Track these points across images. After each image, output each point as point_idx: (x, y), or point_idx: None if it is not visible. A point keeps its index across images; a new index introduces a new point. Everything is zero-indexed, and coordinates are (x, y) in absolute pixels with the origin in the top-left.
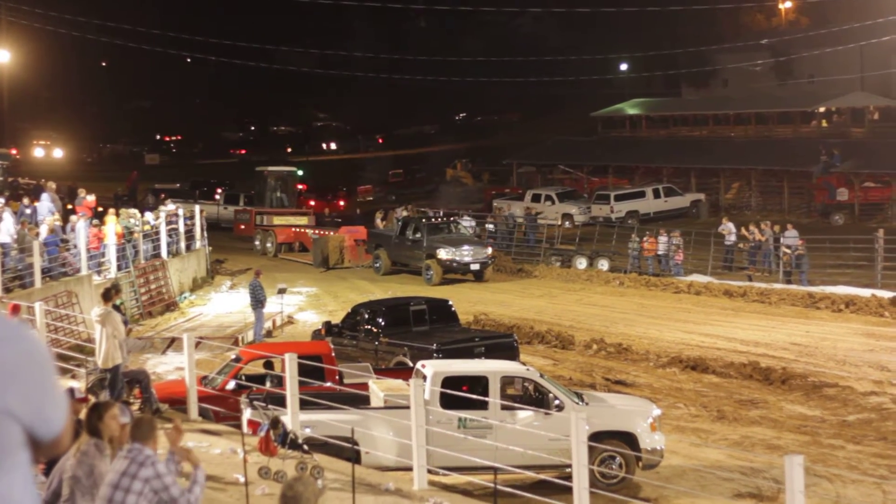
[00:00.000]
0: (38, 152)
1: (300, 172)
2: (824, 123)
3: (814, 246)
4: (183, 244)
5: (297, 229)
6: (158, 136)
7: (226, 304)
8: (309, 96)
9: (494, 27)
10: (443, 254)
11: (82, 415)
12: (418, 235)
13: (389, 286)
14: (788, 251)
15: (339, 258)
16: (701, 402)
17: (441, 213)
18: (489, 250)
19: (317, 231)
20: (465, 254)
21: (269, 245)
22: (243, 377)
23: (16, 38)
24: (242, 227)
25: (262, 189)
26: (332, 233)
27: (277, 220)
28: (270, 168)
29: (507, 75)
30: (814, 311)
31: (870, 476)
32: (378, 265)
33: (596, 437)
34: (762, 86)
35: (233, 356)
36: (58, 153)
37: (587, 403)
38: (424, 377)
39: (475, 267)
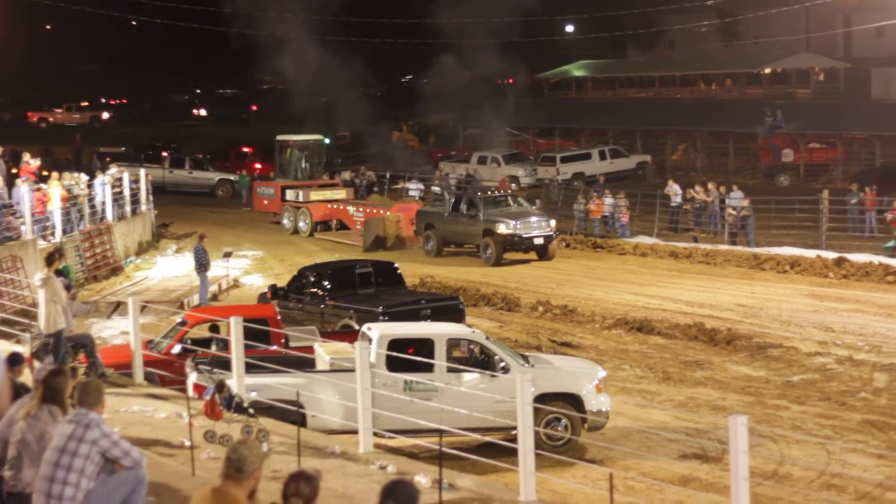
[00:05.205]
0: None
1: (327, 141)
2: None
3: (759, 207)
4: (128, 208)
5: (333, 205)
6: (104, 100)
7: (171, 268)
8: (255, 59)
9: None
10: (502, 228)
11: (24, 378)
12: (474, 210)
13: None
14: (734, 212)
15: (396, 239)
16: (646, 364)
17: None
18: (553, 223)
19: (360, 208)
20: (528, 227)
21: (301, 224)
22: (189, 341)
23: None
24: (266, 202)
25: (284, 161)
26: (386, 212)
27: (315, 196)
28: (294, 137)
29: (453, 37)
30: (759, 272)
31: (814, 436)
32: (430, 247)
33: (542, 398)
34: (708, 47)
35: (178, 320)
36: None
37: (533, 365)
38: (370, 340)
39: (539, 242)
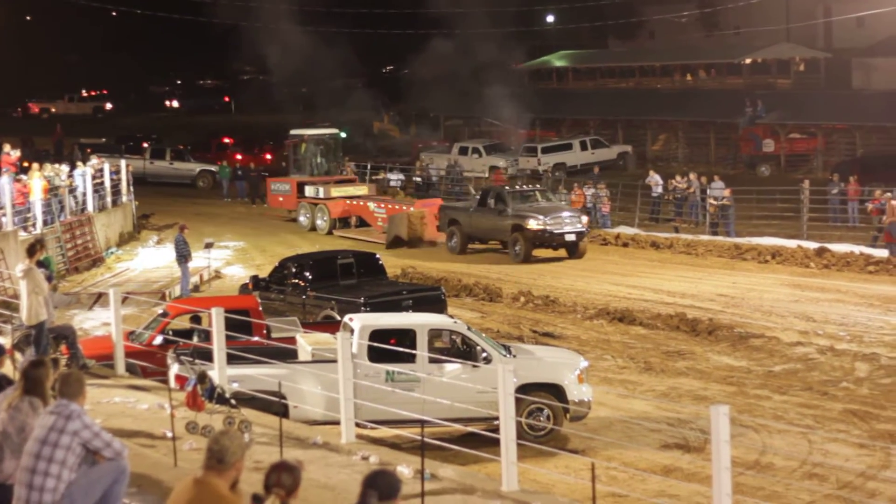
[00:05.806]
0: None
1: (344, 135)
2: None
3: (740, 197)
4: (109, 199)
5: (352, 202)
6: (85, 92)
7: (153, 259)
8: (236, 49)
9: None
10: (533, 224)
11: (5, 369)
12: (501, 205)
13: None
14: (715, 202)
15: (418, 235)
16: (628, 354)
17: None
18: (585, 218)
19: (382, 204)
20: (559, 222)
21: (319, 221)
22: (170, 332)
23: None
24: (281, 199)
25: (300, 156)
26: (410, 208)
27: (335, 192)
28: (309, 132)
29: (434, 27)
30: (740, 262)
31: (796, 426)
32: (454, 243)
33: (524, 389)
34: (688, 37)
35: (160, 311)
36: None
37: (515, 356)
38: (352, 330)
39: (570, 238)
